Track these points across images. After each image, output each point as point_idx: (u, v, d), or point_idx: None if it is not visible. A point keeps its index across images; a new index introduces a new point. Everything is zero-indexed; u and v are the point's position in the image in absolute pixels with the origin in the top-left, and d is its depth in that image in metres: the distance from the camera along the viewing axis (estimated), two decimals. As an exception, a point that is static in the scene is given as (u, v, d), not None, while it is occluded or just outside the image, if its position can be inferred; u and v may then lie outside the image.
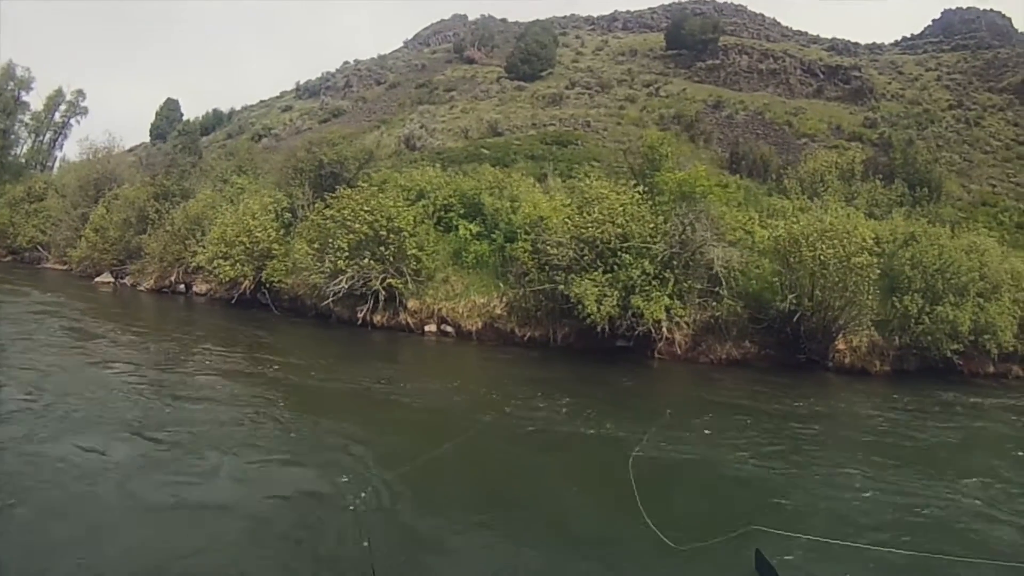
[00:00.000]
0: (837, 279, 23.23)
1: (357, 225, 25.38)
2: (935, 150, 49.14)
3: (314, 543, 8.43)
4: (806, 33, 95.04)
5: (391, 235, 25.44)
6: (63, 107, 76.83)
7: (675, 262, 23.14)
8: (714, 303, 24.08)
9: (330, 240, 25.99)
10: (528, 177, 32.41)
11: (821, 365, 24.31)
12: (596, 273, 22.32)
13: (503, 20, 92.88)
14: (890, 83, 66.70)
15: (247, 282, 29.30)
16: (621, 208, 23.69)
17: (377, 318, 26.08)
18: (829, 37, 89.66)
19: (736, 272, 24.54)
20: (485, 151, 42.51)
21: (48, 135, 76.67)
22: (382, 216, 25.60)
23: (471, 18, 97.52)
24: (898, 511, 10.68)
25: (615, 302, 21.64)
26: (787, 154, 47.61)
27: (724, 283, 23.95)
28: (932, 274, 24.87)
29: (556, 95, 59.07)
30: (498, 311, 25.04)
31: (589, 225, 23.19)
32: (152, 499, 9.24)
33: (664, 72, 67.34)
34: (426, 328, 25.94)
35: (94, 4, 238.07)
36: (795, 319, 23.20)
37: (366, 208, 25.79)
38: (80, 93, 77.58)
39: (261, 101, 77.25)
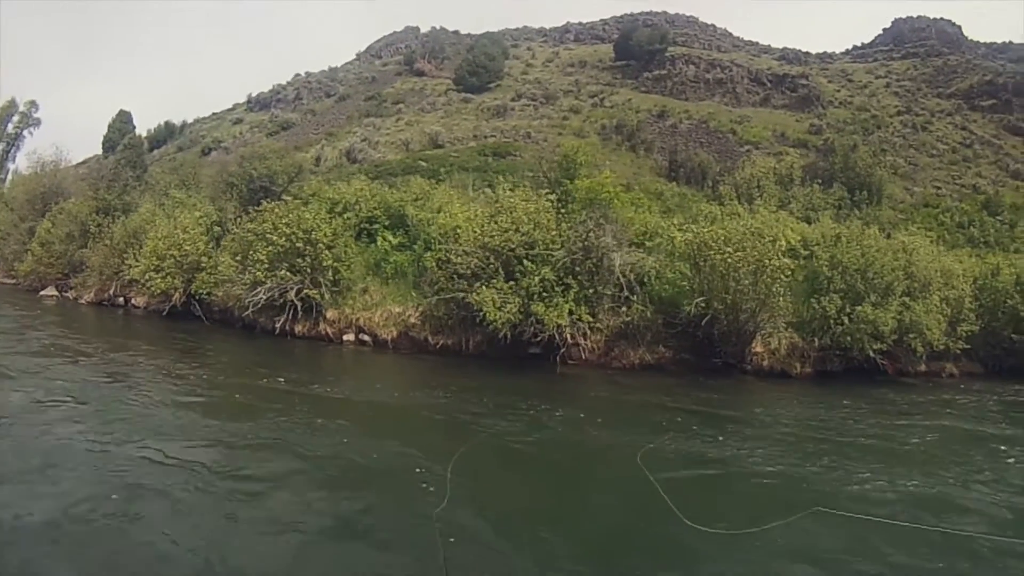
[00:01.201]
0: (747, 282, 23.33)
1: (275, 238, 25.64)
2: (880, 154, 49.87)
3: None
4: (757, 43, 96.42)
5: (308, 247, 25.67)
6: (16, 118, 77.11)
7: (578, 268, 23.41)
8: (624, 308, 24.31)
9: (250, 252, 26.44)
10: (462, 188, 33.08)
11: (738, 368, 24.48)
12: (498, 281, 22.64)
13: (455, 32, 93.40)
14: (839, 91, 68.01)
15: (177, 294, 29.55)
16: (526, 216, 24.07)
17: (298, 328, 26.27)
18: (780, 47, 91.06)
19: (651, 277, 24.99)
20: (423, 163, 42.88)
21: (0, 146, 76.43)
22: (299, 229, 25.86)
23: (423, 30, 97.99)
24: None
25: (516, 309, 21.93)
26: (729, 161, 48.42)
27: (631, 288, 24.25)
28: (852, 274, 25.01)
29: (500, 107, 59.58)
30: (412, 320, 25.24)
31: (495, 234, 23.53)
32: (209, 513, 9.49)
33: (611, 83, 68.31)
34: (344, 337, 26.13)
35: (50, 12, 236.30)
36: (706, 322, 23.41)
37: (284, 221, 26.09)
38: (33, 104, 77.79)
39: (213, 114, 77.31)
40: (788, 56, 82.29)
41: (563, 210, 25.56)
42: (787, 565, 8.61)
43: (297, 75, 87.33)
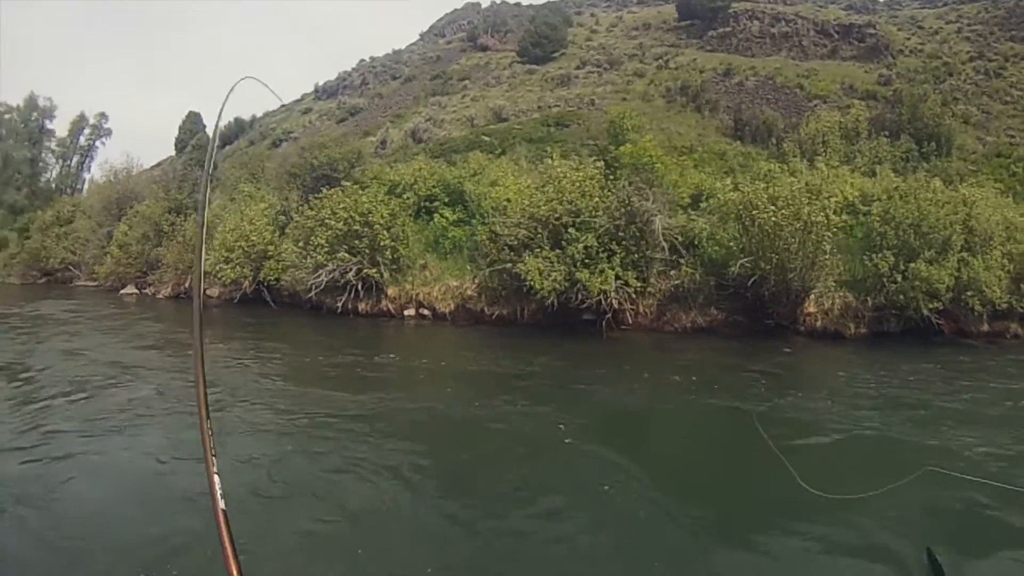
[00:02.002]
0: (794, 241, 23.34)
1: (333, 222, 27.34)
2: (951, 103, 48.62)
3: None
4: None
5: (365, 229, 27.27)
6: (87, 131, 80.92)
7: (621, 234, 24.22)
8: (673, 272, 25.08)
9: (311, 238, 27.98)
10: (514, 161, 34.14)
11: (791, 329, 24.44)
12: (544, 250, 23.74)
13: (517, 4, 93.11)
14: (909, 39, 65.77)
15: (247, 282, 31.44)
16: (571, 185, 24.97)
17: (362, 306, 28.01)
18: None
19: (702, 239, 25.48)
20: (486, 138, 43.82)
21: (75, 159, 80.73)
22: (356, 212, 27.48)
23: (484, 5, 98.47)
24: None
25: (561, 276, 22.97)
26: (796, 117, 47.68)
27: (679, 252, 25.03)
28: (905, 229, 24.20)
29: (564, 76, 59.77)
30: (469, 292, 26.66)
31: (541, 204, 24.66)
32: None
33: (676, 44, 67.37)
34: (405, 312, 27.85)
35: (109, 25, 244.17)
36: (752, 283, 23.61)
37: (342, 206, 27.71)
38: (103, 116, 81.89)
39: (283, 106, 78.90)
40: (855, 5, 79.47)
41: (611, 177, 26.22)
42: (911, 527, 8.67)
43: (362, 60, 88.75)
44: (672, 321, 25.11)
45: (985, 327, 25.15)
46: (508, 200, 26.22)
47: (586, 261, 23.39)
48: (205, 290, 34.49)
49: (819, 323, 24.72)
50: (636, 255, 24.26)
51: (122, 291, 40.54)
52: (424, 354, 21.26)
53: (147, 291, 39.53)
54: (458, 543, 8.25)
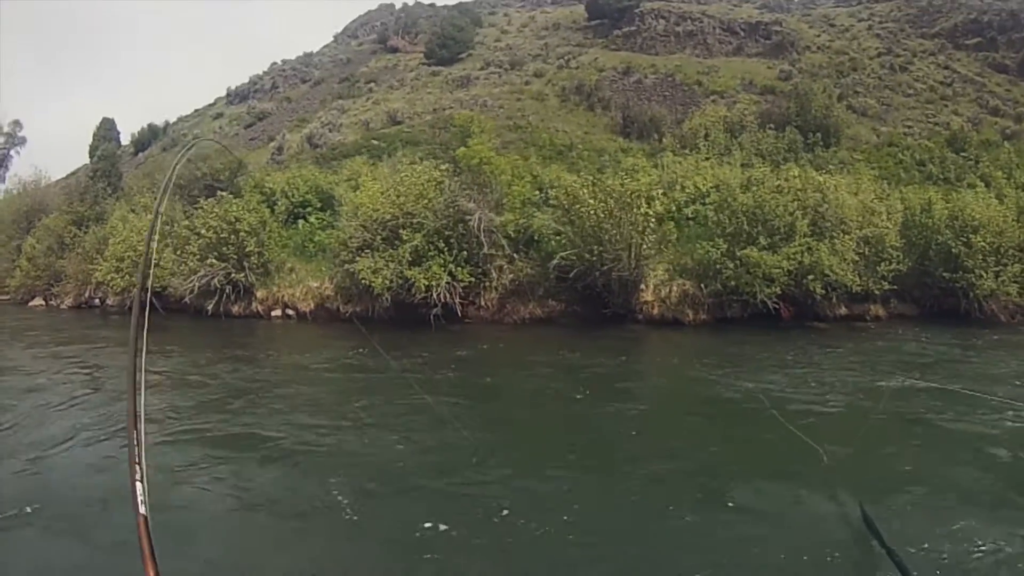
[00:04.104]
0: (615, 231, 25.52)
1: (203, 231, 30.68)
2: (850, 96, 52.24)
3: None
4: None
5: (232, 236, 30.54)
6: (0, 140, 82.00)
7: (449, 233, 27.53)
8: (504, 264, 28.44)
9: (186, 246, 31.32)
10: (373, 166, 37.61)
11: (630, 318, 26.90)
12: (377, 251, 27.22)
13: (431, 5, 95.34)
14: (819, 35, 69.04)
15: (135, 290, 34.50)
16: (411, 188, 28.39)
17: (235, 308, 31.31)
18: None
19: (542, 234, 28.71)
20: (375, 142, 47.00)
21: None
22: (223, 221, 30.78)
23: (398, 6, 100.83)
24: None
25: (390, 274, 26.33)
26: (686, 113, 50.87)
27: (515, 248, 28.67)
28: (739, 217, 26.26)
29: (464, 78, 62.70)
30: (327, 292, 30.07)
31: (382, 207, 28.07)
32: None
33: (581, 43, 70.73)
34: (272, 313, 31.26)
35: (15, 30, 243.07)
36: (575, 274, 26.34)
37: (212, 215, 31.04)
38: (17, 123, 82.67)
39: (195, 111, 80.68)
40: (770, 3, 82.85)
41: (455, 179, 29.39)
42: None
43: (274, 64, 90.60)
44: (511, 313, 28.37)
45: (843, 310, 27.53)
46: (360, 204, 29.39)
47: (415, 260, 26.78)
48: (105, 299, 37.92)
49: (656, 311, 27.36)
50: (467, 252, 27.51)
51: (31, 303, 43.32)
52: (278, 350, 24.48)
53: (53, 302, 42.19)
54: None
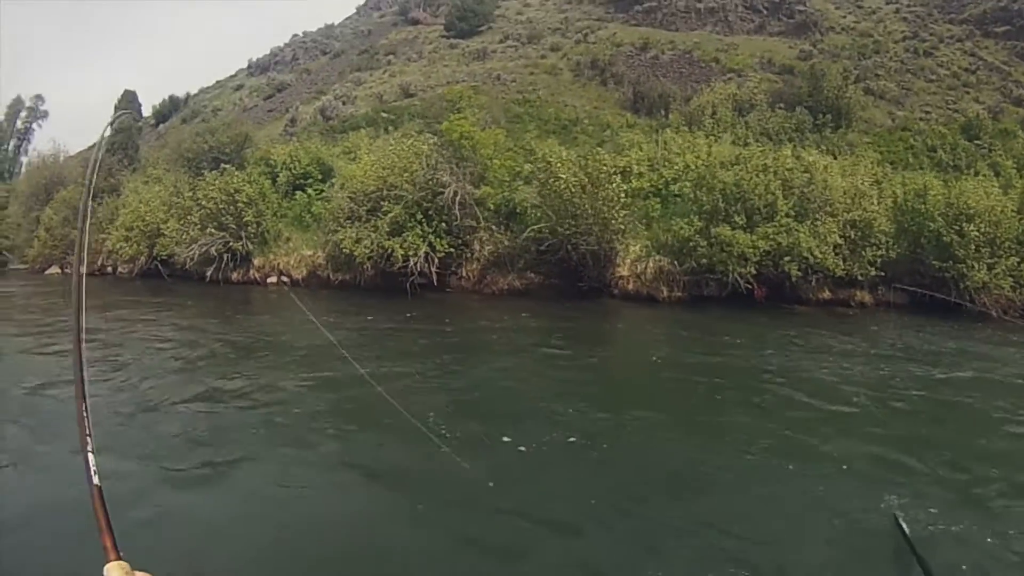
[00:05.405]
0: (587, 206, 26.60)
1: (204, 202, 33.14)
2: (870, 78, 52.06)
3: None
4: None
5: (231, 207, 32.98)
6: (23, 114, 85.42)
7: (427, 204, 29.44)
8: (486, 237, 30.36)
9: (188, 216, 33.81)
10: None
11: (605, 292, 27.96)
12: (361, 222, 29.41)
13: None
14: (845, 16, 68.45)
15: (143, 258, 37.53)
16: (398, 161, 30.41)
17: (235, 275, 33.92)
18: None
19: (524, 208, 30.17)
20: (384, 115, 48.86)
21: (12, 143, 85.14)
22: (224, 193, 33.21)
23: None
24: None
25: (370, 243, 28.43)
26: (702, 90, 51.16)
27: (497, 220, 30.59)
28: (715, 195, 26.76)
29: (481, 50, 64.07)
30: (319, 261, 32.33)
31: (369, 179, 30.26)
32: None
33: (602, 18, 71.45)
34: (268, 280, 33.74)
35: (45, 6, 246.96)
36: (547, 247, 27.83)
37: (212, 187, 33.51)
38: (39, 98, 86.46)
39: (217, 82, 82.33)
40: None
41: (445, 152, 31.15)
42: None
43: (295, 35, 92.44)
44: (491, 284, 30.22)
45: (826, 295, 27.57)
46: (350, 177, 31.61)
47: (395, 230, 28.83)
48: (116, 266, 40.61)
49: (631, 286, 28.34)
50: (446, 224, 29.46)
51: (47, 271, 46.45)
52: (274, 314, 26.15)
53: (68, 270, 44.49)
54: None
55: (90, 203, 4.45)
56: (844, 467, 9.50)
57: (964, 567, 6.92)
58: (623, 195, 27.33)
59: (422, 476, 9.10)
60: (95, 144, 6.56)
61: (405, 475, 9.24)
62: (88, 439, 2.88)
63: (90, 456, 2.84)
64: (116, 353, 16.96)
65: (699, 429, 11.56)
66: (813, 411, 12.33)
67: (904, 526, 7.46)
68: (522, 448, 10.03)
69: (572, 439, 10.49)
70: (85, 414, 2.96)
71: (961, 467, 9.76)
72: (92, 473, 2.78)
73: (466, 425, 11.09)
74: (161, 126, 75.50)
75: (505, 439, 10.40)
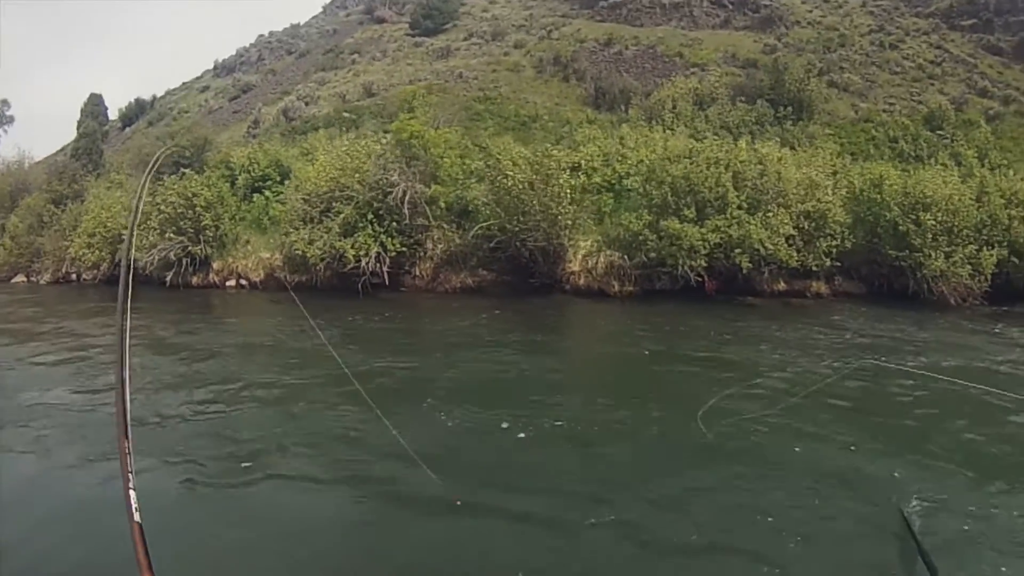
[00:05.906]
0: (535, 202, 27.20)
1: (163, 207, 33.89)
2: (834, 71, 53.07)
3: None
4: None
5: (189, 211, 33.74)
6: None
7: (378, 204, 30.16)
8: (438, 236, 31.14)
9: (148, 221, 34.51)
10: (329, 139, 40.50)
11: (557, 288, 28.59)
12: (313, 223, 30.35)
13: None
14: (811, 11, 69.01)
15: (105, 264, 38.09)
16: (350, 162, 31.36)
17: (195, 279, 34.54)
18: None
19: (476, 206, 30.90)
20: (346, 114, 49.70)
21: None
22: (182, 197, 33.98)
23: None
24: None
25: (323, 244, 29.30)
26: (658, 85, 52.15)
27: (452, 217, 31.35)
28: (665, 188, 26.99)
29: (445, 48, 64.90)
30: (277, 263, 33.01)
31: (321, 181, 31.22)
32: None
33: (567, 15, 72.34)
34: (227, 283, 34.52)
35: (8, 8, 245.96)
36: (496, 244, 28.61)
37: (171, 191, 34.31)
38: (4, 103, 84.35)
39: (183, 84, 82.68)
40: None
41: (396, 152, 31.75)
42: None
43: (260, 36, 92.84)
44: (444, 282, 30.98)
45: (781, 286, 28.19)
46: (304, 179, 32.44)
47: (346, 231, 29.66)
48: (81, 274, 41.21)
49: (582, 282, 28.98)
50: (397, 223, 30.22)
51: (12, 280, 46.53)
52: (229, 318, 27.37)
53: (33, 279, 45.61)
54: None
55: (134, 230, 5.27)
56: (852, 448, 10.26)
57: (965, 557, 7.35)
58: (571, 191, 28.08)
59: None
60: (144, 173, 7.06)
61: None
62: (130, 475, 2.98)
63: (132, 493, 2.92)
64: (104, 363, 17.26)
65: (652, 422, 12.13)
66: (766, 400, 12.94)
67: (907, 517, 7.87)
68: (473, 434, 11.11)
69: (522, 435, 11.17)
70: (128, 451, 3.06)
71: (961, 456, 10.26)
72: (133, 510, 2.86)
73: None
74: (127, 129, 75.90)
75: (449, 423, 11.50)
